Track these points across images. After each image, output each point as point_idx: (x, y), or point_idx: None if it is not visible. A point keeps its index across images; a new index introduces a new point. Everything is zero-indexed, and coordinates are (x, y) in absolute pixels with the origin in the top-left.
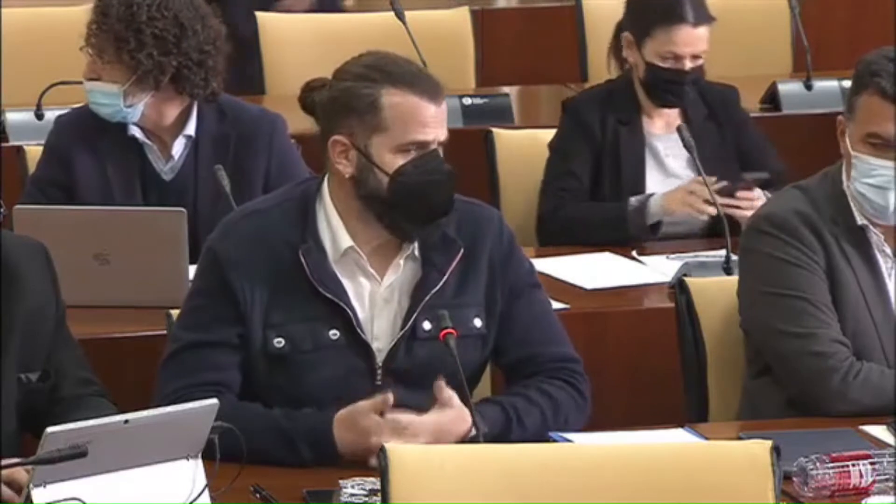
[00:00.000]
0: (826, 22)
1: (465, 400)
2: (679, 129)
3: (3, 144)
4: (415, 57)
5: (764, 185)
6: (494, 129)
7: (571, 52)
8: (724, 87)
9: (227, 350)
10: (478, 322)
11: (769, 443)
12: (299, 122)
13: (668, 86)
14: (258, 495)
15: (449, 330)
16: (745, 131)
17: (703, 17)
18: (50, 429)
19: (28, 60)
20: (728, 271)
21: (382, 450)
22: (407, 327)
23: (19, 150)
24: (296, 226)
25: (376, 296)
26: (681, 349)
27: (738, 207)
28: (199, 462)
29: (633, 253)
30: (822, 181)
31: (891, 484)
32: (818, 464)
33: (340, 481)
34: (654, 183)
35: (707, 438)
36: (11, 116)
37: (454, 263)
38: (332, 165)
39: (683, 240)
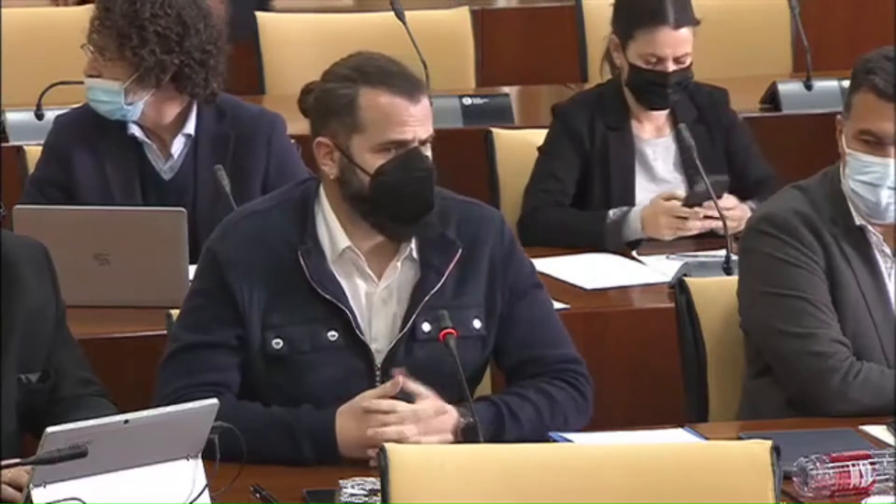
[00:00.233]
0: (826, 22)
1: (464, 400)
2: (679, 130)
3: (3, 144)
4: (415, 57)
5: (723, 187)
6: (494, 129)
7: (571, 52)
8: (713, 88)
9: (227, 351)
10: (477, 323)
11: (769, 443)
12: (299, 123)
13: (652, 87)
14: (258, 495)
15: (449, 330)
16: (734, 133)
17: (685, 19)
18: (50, 429)
19: (28, 60)
20: (728, 271)
21: (382, 450)
22: (406, 329)
23: (19, 150)
24: (295, 226)
25: (374, 297)
26: (681, 349)
27: (717, 218)
28: (199, 462)
29: (634, 253)
30: (821, 181)
31: (891, 484)
32: (818, 464)
33: (340, 481)
34: (643, 188)
35: (707, 438)
36: (11, 116)
37: (452, 264)
38: (319, 167)
39: (683, 240)
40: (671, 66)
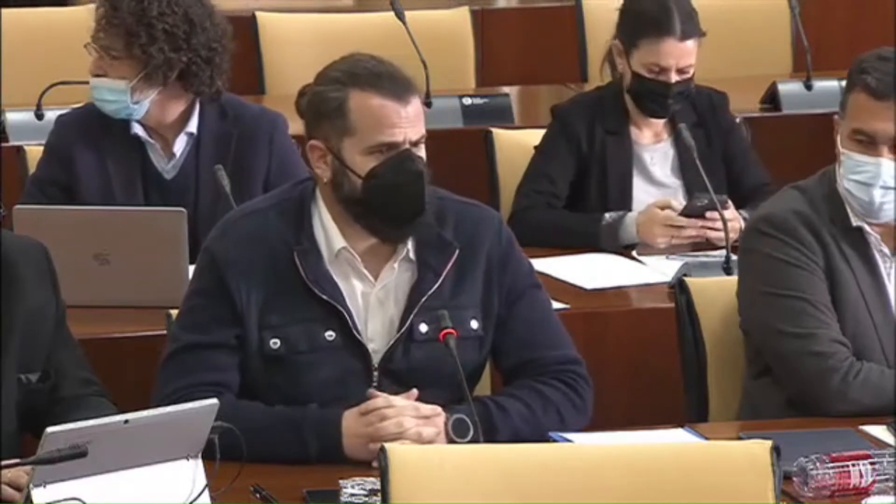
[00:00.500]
0: (826, 22)
1: (463, 400)
2: (679, 130)
3: (3, 144)
4: (415, 57)
5: (724, 203)
6: (494, 129)
7: (571, 52)
8: (713, 92)
9: (226, 351)
10: (474, 324)
11: (769, 443)
12: (300, 123)
13: (653, 97)
14: (258, 495)
15: (449, 330)
16: (732, 137)
17: (691, 31)
18: (50, 429)
19: (28, 60)
20: (728, 271)
21: (382, 450)
22: (403, 329)
23: (19, 150)
24: (292, 227)
25: (370, 297)
26: (681, 349)
27: (714, 228)
28: (199, 462)
29: (633, 253)
30: (820, 181)
31: (891, 484)
32: (818, 464)
33: (340, 481)
34: (640, 191)
35: (707, 438)
36: (11, 116)
37: (449, 265)
38: (313, 170)
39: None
40: (674, 77)
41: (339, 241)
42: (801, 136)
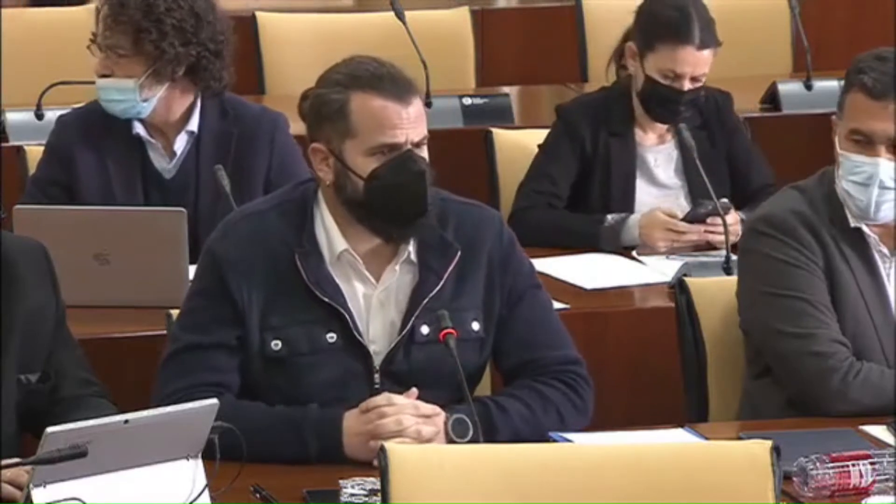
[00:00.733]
0: (826, 22)
1: (463, 401)
2: (679, 130)
3: (3, 144)
4: (415, 57)
5: (727, 209)
6: (494, 129)
7: (571, 52)
8: (717, 92)
9: (226, 351)
10: (475, 325)
11: (769, 443)
12: (300, 123)
13: (664, 103)
14: (258, 495)
15: (449, 330)
16: (736, 137)
17: (710, 41)
18: (50, 429)
19: (28, 60)
20: (728, 271)
21: (382, 449)
22: (405, 331)
23: (19, 150)
24: (293, 228)
25: (372, 299)
26: (681, 349)
27: (715, 232)
28: (199, 462)
29: (633, 253)
30: (819, 182)
31: (891, 484)
32: (818, 464)
33: (340, 481)
34: (643, 193)
35: (707, 438)
36: (11, 116)
37: (451, 267)
38: (315, 172)
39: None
40: (687, 85)
41: (340, 243)
42: (801, 136)
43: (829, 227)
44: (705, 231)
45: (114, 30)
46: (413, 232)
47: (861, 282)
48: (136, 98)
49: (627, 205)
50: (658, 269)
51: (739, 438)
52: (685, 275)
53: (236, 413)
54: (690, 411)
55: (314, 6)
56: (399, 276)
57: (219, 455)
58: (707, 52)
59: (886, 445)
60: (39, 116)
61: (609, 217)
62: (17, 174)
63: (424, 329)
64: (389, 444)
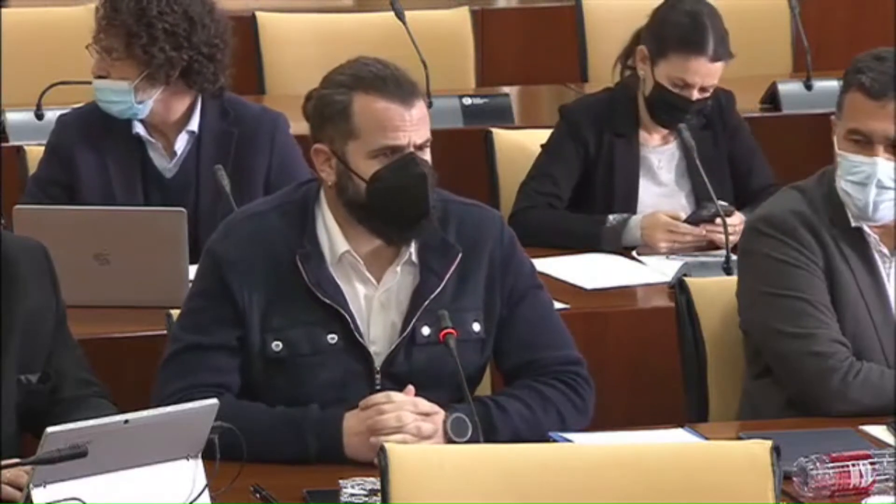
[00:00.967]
0: (826, 22)
1: (463, 400)
2: (679, 130)
3: (3, 144)
4: (415, 57)
5: (729, 212)
6: (494, 129)
7: (571, 52)
8: (720, 91)
9: (227, 352)
10: (476, 326)
11: (769, 443)
12: (301, 123)
13: (671, 110)
14: (258, 495)
15: (449, 330)
16: (738, 136)
17: (723, 54)
18: (50, 429)
19: (28, 60)
20: (728, 271)
21: (382, 449)
22: (406, 333)
23: (19, 150)
24: (294, 229)
25: (373, 300)
26: (681, 349)
27: (717, 232)
28: (199, 462)
29: (633, 253)
30: (819, 182)
31: (891, 484)
32: (818, 464)
33: (340, 481)
34: (646, 193)
35: (707, 438)
36: (11, 116)
37: (452, 268)
38: (318, 173)
39: None
40: (696, 95)
41: (342, 245)
42: (801, 137)
43: (829, 227)
44: (707, 233)
45: (108, 32)
46: (414, 235)
47: (861, 282)
48: (132, 100)
49: (630, 205)
50: (658, 269)
51: (739, 438)
52: (685, 275)
53: (236, 413)
54: (690, 411)
55: (314, 6)
56: (400, 278)
57: (219, 455)
58: (719, 65)
59: (886, 445)
60: (39, 116)
61: (611, 218)
62: (17, 174)
63: (425, 330)
64: (389, 445)
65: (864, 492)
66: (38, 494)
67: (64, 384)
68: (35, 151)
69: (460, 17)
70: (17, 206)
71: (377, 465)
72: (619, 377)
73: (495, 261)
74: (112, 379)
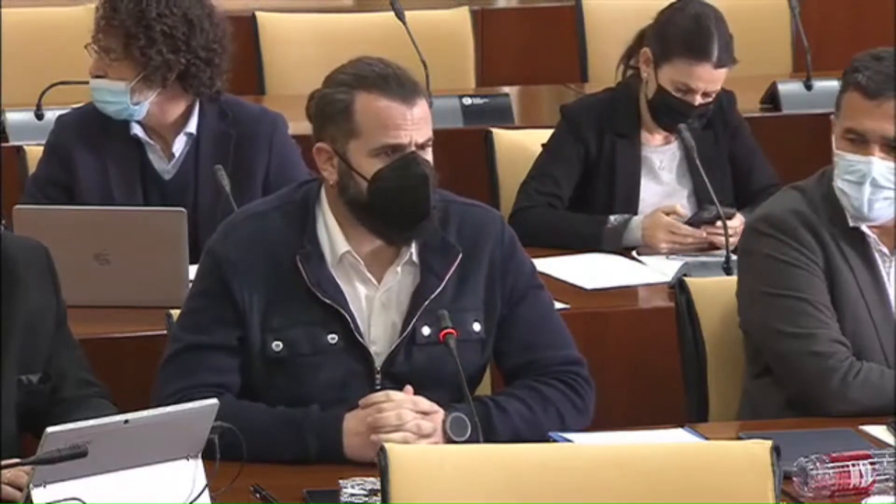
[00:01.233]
0: (826, 22)
1: (463, 400)
2: (679, 130)
3: (3, 144)
4: (415, 57)
5: (729, 215)
6: (494, 129)
7: (571, 52)
8: (721, 91)
9: (227, 352)
10: (476, 326)
11: (769, 443)
12: (300, 123)
13: (673, 114)
14: (258, 495)
15: (449, 330)
16: (739, 136)
17: (727, 60)
18: (50, 429)
19: (28, 60)
20: (728, 271)
21: (382, 449)
22: (406, 332)
23: (19, 150)
24: (295, 229)
25: (374, 300)
26: (681, 349)
27: (718, 234)
28: (199, 462)
29: (633, 253)
30: (818, 181)
31: (891, 484)
32: (818, 464)
33: (340, 481)
34: (648, 193)
35: (707, 438)
36: (11, 116)
37: (453, 268)
38: (320, 172)
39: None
40: (698, 100)
41: (342, 245)
42: (801, 136)
43: (828, 226)
44: (708, 234)
45: (106, 33)
46: (415, 235)
47: (861, 281)
48: (128, 101)
49: (631, 206)
50: (658, 269)
51: (739, 438)
52: (685, 275)
53: (237, 413)
54: (690, 411)
55: (314, 6)
56: (401, 278)
57: (219, 455)
58: (723, 71)
59: (886, 445)
60: (39, 116)
61: (612, 218)
62: (17, 174)
63: (425, 330)
64: (389, 445)
65: (864, 492)
66: (38, 494)
67: (64, 384)
68: (35, 151)
69: (460, 17)
70: (17, 206)
71: (377, 465)
72: (619, 377)
73: (496, 261)
74: (112, 379)
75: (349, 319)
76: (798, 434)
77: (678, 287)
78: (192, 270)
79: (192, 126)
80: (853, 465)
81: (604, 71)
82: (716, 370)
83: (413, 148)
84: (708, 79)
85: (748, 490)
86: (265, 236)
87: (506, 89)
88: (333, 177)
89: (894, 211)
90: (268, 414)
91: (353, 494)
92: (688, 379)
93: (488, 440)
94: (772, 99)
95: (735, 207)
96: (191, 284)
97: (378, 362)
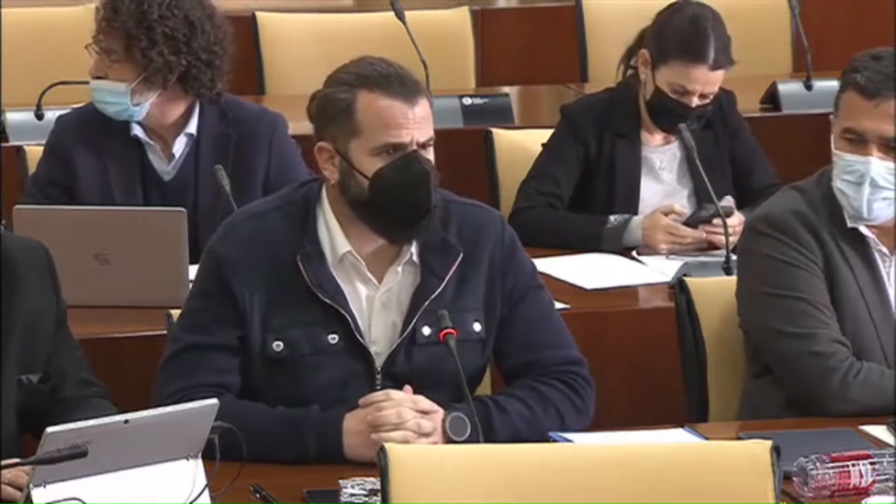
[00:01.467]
0: (826, 22)
1: (463, 400)
2: (679, 130)
3: (3, 144)
4: (415, 57)
5: (729, 212)
6: (494, 129)
7: (571, 52)
8: (721, 91)
9: (227, 352)
10: (477, 326)
11: (769, 443)
12: (300, 123)
13: (670, 116)
14: (258, 495)
15: (449, 330)
16: (739, 136)
17: (724, 62)
18: (50, 429)
19: (28, 60)
20: (728, 271)
21: (382, 449)
22: (406, 332)
23: (19, 150)
24: (296, 230)
25: (374, 301)
26: (681, 349)
27: (717, 233)
28: (199, 462)
29: (633, 253)
30: (818, 181)
31: (891, 484)
32: (818, 464)
33: (340, 481)
34: (648, 193)
35: (707, 438)
36: (11, 116)
37: (453, 268)
38: (320, 172)
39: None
40: (696, 101)
41: (343, 245)
42: (801, 136)
43: (828, 226)
44: (707, 233)
45: (107, 34)
46: (416, 234)
47: (861, 281)
48: (128, 102)
49: (631, 206)
50: (658, 269)
51: (739, 438)
52: (685, 275)
53: (237, 413)
54: (690, 411)
55: (314, 6)
56: (401, 278)
57: (219, 455)
58: (720, 73)
59: (886, 445)
60: (39, 116)
61: (612, 218)
62: (17, 174)
63: (426, 330)
64: (389, 445)
65: (864, 492)
66: (38, 494)
67: (64, 384)
68: (35, 151)
69: (460, 17)
70: (17, 206)
71: (377, 465)
72: (619, 377)
73: (496, 261)
74: (112, 379)
75: (349, 319)
76: (798, 434)
77: (678, 287)
78: (192, 270)
79: (192, 126)
80: (853, 465)
81: (604, 71)
82: (716, 370)
83: (414, 147)
84: (704, 81)
85: (748, 490)
86: (265, 236)
87: (506, 89)
88: (335, 176)
89: (893, 211)
90: (268, 414)
91: (353, 494)
92: (688, 379)
93: (488, 440)
94: (772, 99)
95: (734, 206)
96: (191, 285)
97: (378, 362)
